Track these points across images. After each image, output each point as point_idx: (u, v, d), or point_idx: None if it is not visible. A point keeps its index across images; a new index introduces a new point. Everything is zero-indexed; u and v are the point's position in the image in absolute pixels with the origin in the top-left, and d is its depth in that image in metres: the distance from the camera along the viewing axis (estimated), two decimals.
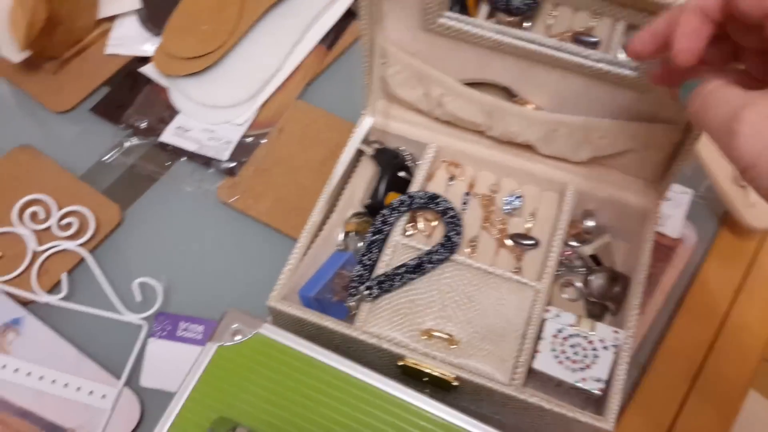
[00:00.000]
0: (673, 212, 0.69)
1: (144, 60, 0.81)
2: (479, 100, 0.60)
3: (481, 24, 0.55)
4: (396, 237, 0.59)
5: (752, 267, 0.69)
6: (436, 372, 0.52)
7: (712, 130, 0.38)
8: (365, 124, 0.64)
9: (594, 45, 0.61)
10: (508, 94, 0.60)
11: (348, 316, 0.58)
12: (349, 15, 0.84)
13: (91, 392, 0.59)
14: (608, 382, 0.53)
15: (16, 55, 0.77)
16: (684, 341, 0.65)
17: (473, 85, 0.60)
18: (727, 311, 0.67)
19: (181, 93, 0.78)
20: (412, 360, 0.52)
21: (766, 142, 0.35)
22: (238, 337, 0.48)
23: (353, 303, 0.57)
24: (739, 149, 0.35)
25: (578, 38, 0.62)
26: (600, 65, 0.54)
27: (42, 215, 0.68)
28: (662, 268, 0.68)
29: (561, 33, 0.62)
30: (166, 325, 0.62)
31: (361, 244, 0.61)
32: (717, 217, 0.71)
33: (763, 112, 0.35)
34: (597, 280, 0.61)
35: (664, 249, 0.68)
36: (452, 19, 0.56)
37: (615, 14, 0.61)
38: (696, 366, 0.64)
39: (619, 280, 0.60)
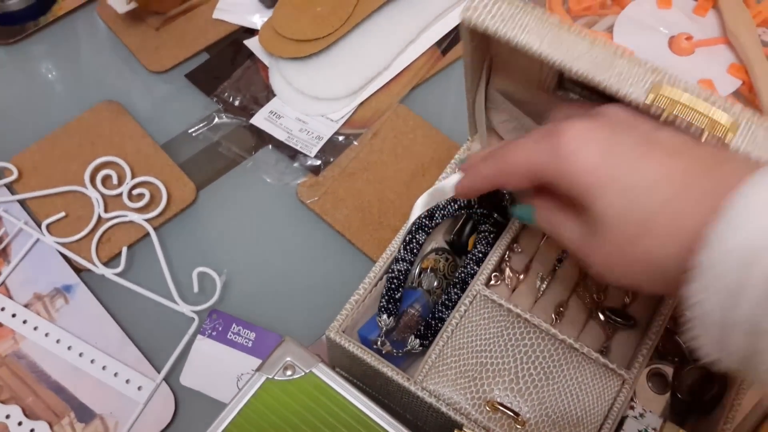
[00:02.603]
0: None
1: (251, 32, 0.77)
2: None
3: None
4: (477, 286, 0.53)
5: None
6: None
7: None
8: None
9: None
10: None
11: (409, 360, 0.53)
12: None
13: (128, 381, 0.56)
14: None
15: (122, 6, 0.74)
16: None
17: None
18: None
19: (281, 75, 0.73)
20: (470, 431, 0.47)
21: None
22: (289, 373, 0.44)
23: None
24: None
25: None
26: None
27: (114, 180, 0.65)
28: None
29: None
30: (218, 324, 0.59)
31: (435, 284, 0.56)
32: None
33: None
34: (690, 377, 0.54)
35: None
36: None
37: None
38: None
39: (715, 382, 0.53)
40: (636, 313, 0.55)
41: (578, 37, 0.42)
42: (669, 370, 0.55)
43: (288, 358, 0.45)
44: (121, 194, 0.65)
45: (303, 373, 0.44)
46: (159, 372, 0.57)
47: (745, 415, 0.58)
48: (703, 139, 0.39)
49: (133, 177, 0.65)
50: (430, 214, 0.56)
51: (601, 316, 0.55)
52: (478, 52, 0.49)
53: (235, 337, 0.58)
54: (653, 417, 0.50)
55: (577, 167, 0.38)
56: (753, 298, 0.32)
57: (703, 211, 0.35)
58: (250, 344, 0.58)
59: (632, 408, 0.50)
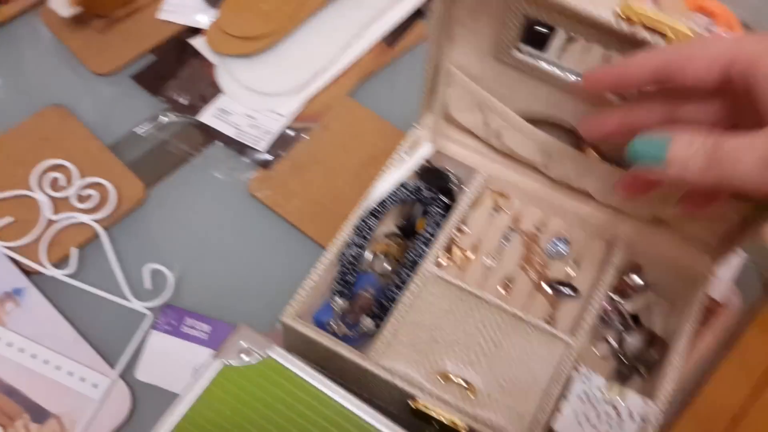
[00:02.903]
0: (721, 274, 0.64)
1: (196, 31, 0.77)
2: (540, 138, 0.55)
3: (559, 64, 0.51)
4: (427, 266, 0.55)
5: None
6: (448, 419, 0.48)
7: (745, 181, 0.36)
8: (424, 150, 0.60)
9: None
10: (573, 135, 0.55)
11: (364, 341, 0.55)
12: (417, 14, 0.79)
13: (83, 379, 0.56)
14: None
15: (66, 9, 0.74)
16: (711, 411, 0.61)
17: (536, 120, 0.56)
18: (762, 385, 0.62)
19: (228, 73, 0.74)
20: (424, 402, 0.49)
21: None
22: (245, 358, 0.45)
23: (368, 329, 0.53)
24: None
25: None
26: None
27: (62, 183, 0.65)
28: (700, 331, 0.63)
29: None
30: (172, 318, 0.59)
31: (388, 267, 0.57)
32: (766, 285, 0.66)
33: None
34: (633, 341, 0.57)
35: (706, 312, 0.63)
36: (527, 55, 0.52)
37: None
38: None
39: (656, 344, 0.56)
40: (579, 284, 0.57)
41: None
42: (613, 335, 0.58)
43: (244, 343, 0.45)
44: (68, 197, 0.64)
45: (260, 358, 0.45)
46: (114, 368, 0.57)
47: (686, 374, 0.61)
48: None
49: (81, 178, 0.65)
50: (381, 201, 0.57)
51: (547, 288, 0.57)
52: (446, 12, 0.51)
53: (190, 331, 0.59)
54: (598, 378, 0.52)
55: None
56: None
57: None
58: (205, 337, 0.59)
59: (578, 371, 0.52)
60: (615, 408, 0.51)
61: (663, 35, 0.43)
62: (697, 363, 0.62)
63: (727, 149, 0.37)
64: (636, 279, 0.59)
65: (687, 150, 0.38)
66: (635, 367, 0.56)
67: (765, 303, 0.66)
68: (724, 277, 0.64)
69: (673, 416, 0.59)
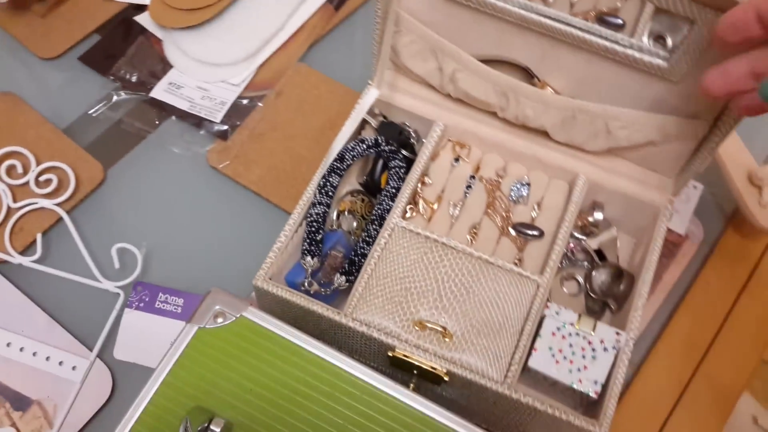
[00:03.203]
0: (682, 207, 0.66)
1: (140, 8, 0.76)
2: (495, 79, 0.56)
3: None
4: (394, 219, 0.55)
5: (757, 268, 0.67)
6: (427, 365, 0.49)
7: None
8: (370, 96, 0.60)
9: (618, 27, 0.57)
10: (527, 75, 0.56)
11: (338, 299, 0.55)
12: None
13: (60, 362, 0.56)
14: (605, 385, 0.51)
15: None
16: (682, 340, 0.63)
17: (490, 63, 0.56)
18: (728, 312, 0.65)
19: (176, 46, 0.73)
20: (403, 352, 0.50)
21: None
22: (220, 320, 0.45)
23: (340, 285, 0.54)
24: None
25: (602, 18, 0.58)
26: (630, 51, 0.50)
27: (19, 170, 0.64)
28: (665, 264, 0.65)
29: (585, 12, 0.58)
30: (144, 295, 0.59)
31: (354, 224, 0.58)
32: (726, 215, 0.68)
33: None
34: (600, 276, 0.58)
35: (669, 245, 0.65)
36: None
37: None
38: (692, 367, 0.62)
39: (623, 278, 0.57)
40: (543, 225, 0.58)
41: None
42: (580, 273, 0.59)
43: (217, 306, 0.46)
44: (27, 182, 0.64)
45: (234, 318, 0.45)
46: (92, 350, 0.57)
47: (657, 306, 0.63)
48: None
49: (38, 164, 0.64)
50: (340, 157, 0.58)
51: (512, 232, 0.58)
52: None
53: (164, 305, 0.59)
54: (568, 313, 0.53)
55: None
56: None
57: None
58: (179, 310, 0.59)
59: (548, 308, 0.53)
60: (587, 341, 0.52)
61: None
62: (665, 296, 0.64)
63: None
64: (598, 216, 0.60)
65: None
66: (605, 302, 0.58)
67: (724, 233, 0.68)
68: (685, 210, 0.66)
69: (646, 350, 0.61)
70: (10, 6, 0.74)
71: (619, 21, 0.58)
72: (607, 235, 0.60)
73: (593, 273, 0.58)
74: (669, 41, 0.52)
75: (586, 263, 0.60)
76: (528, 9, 0.52)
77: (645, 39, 0.54)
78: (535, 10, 0.51)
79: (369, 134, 0.62)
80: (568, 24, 0.51)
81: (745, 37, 0.43)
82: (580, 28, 0.51)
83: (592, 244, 0.60)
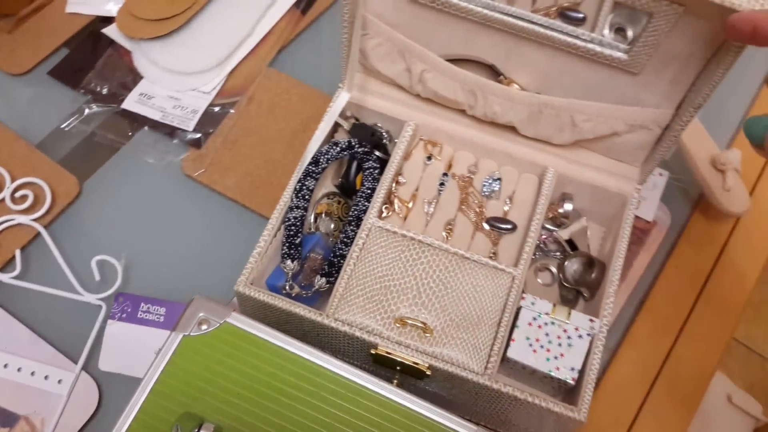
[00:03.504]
0: (649, 195, 0.68)
1: (107, 20, 0.76)
2: (462, 77, 0.57)
3: None
4: (371, 220, 0.56)
5: (724, 251, 0.69)
6: (410, 361, 0.51)
7: None
8: (341, 99, 0.61)
9: (580, 21, 0.59)
10: (493, 72, 0.57)
11: (320, 301, 0.56)
12: None
13: (46, 377, 0.56)
14: (582, 371, 0.52)
15: None
16: (654, 324, 0.64)
17: (457, 62, 0.57)
18: (698, 294, 0.67)
19: (145, 57, 0.73)
20: (385, 349, 0.51)
21: None
22: (204, 327, 0.46)
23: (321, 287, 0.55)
24: None
25: (564, 13, 0.59)
26: (591, 45, 0.51)
27: None
28: (635, 251, 0.67)
29: (547, 7, 0.60)
30: (126, 306, 0.60)
31: (332, 226, 0.59)
32: (692, 200, 0.70)
33: None
34: (572, 266, 0.60)
35: (638, 232, 0.67)
36: None
37: None
38: (666, 349, 0.63)
39: (594, 266, 0.59)
40: (515, 219, 0.60)
41: None
42: (553, 264, 0.61)
43: (201, 314, 0.46)
44: (3, 199, 0.64)
45: (218, 324, 0.46)
46: (76, 363, 0.57)
47: (630, 291, 0.65)
48: None
49: (12, 181, 0.65)
50: (315, 160, 0.59)
51: (486, 226, 0.60)
52: None
53: (146, 315, 0.59)
54: (543, 303, 0.55)
55: None
56: None
57: None
58: (161, 319, 0.59)
59: (524, 299, 0.55)
60: (563, 329, 0.54)
61: None
62: (636, 282, 0.65)
63: None
64: (568, 207, 0.62)
65: None
66: (578, 291, 0.59)
67: (691, 218, 0.70)
68: (652, 197, 0.68)
69: (620, 336, 0.63)
70: None
71: (581, 15, 0.59)
72: (578, 225, 0.62)
73: (566, 263, 0.60)
74: (629, 33, 0.54)
75: (558, 254, 0.61)
76: (491, 8, 0.53)
77: (606, 31, 0.56)
78: (498, 8, 0.53)
79: (342, 137, 0.63)
80: (530, 21, 0.53)
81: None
82: (542, 25, 0.53)
83: (564, 234, 0.61)
